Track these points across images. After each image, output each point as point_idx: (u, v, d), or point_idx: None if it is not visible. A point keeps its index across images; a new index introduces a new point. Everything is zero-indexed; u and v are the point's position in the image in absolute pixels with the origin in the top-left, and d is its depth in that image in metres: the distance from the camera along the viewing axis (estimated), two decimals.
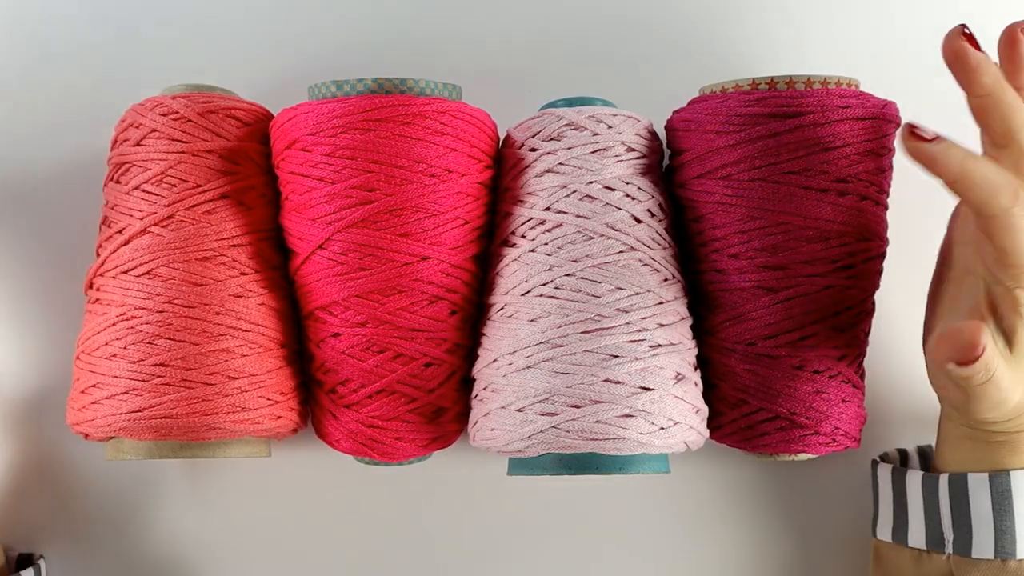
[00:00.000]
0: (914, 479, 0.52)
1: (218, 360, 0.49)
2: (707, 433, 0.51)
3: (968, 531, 0.49)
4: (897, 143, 0.51)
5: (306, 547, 0.58)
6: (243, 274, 0.51)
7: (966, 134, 0.59)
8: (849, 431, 0.51)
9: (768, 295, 0.50)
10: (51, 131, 0.59)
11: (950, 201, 0.59)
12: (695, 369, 0.51)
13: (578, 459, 0.48)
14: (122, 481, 0.58)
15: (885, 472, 0.54)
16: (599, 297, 0.49)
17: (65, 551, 0.58)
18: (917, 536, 0.51)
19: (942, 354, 0.44)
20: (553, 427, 0.47)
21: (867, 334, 0.52)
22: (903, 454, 0.56)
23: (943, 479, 0.50)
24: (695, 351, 0.51)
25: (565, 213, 0.50)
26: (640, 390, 0.48)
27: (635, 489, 0.58)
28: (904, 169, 0.56)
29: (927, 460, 0.55)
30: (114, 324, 0.50)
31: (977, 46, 0.45)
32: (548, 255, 0.50)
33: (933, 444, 0.55)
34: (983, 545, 0.49)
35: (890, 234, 0.52)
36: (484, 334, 0.52)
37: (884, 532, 0.54)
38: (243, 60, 0.59)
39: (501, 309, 0.51)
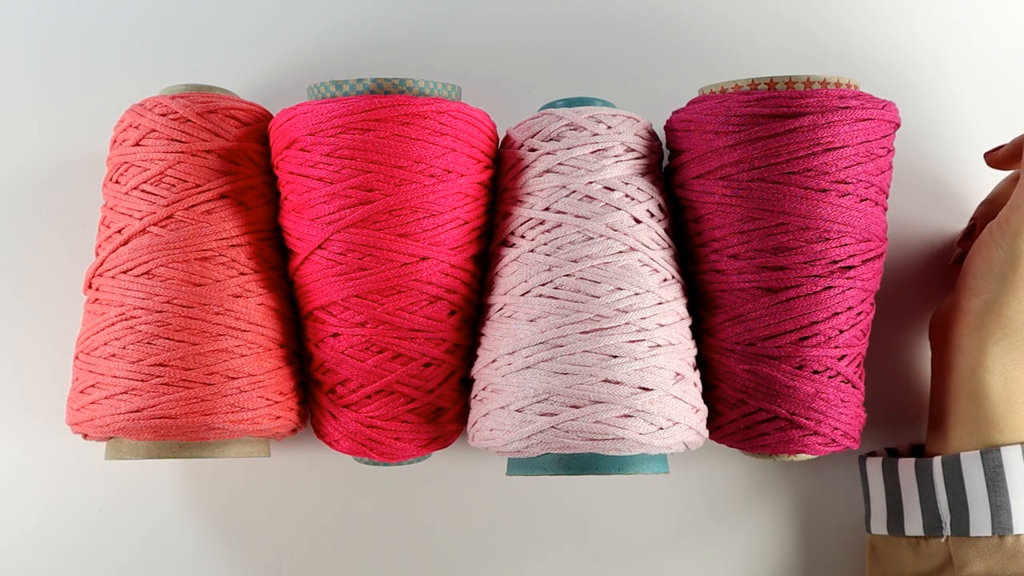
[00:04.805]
0: (906, 467, 0.52)
1: (217, 360, 0.49)
2: (706, 433, 0.51)
3: (965, 510, 0.50)
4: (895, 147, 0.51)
5: (305, 547, 0.58)
6: (242, 274, 0.51)
7: (965, 134, 0.60)
8: (848, 431, 0.51)
9: (767, 295, 0.50)
10: (51, 131, 0.59)
11: (949, 202, 0.59)
12: (694, 369, 0.51)
13: (577, 459, 0.48)
14: (121, 481, 0.58)
15: (875, 466, 0.54)
16: (598, 297, 0.49)
17: (65, 551, 0.58)
18: (914, 524, 0.52)
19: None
20: (552, 427, 0.47)
21: (867, 334, 0.52)
22: (893, 453, 0.56)
23: (936, 462, 0.51)
24: (694, 351, 0.51)
25: (564, 213, 0.50)
26: (639, 390, 0.48)
27: (634, 489, 0.58)
28: (904, 169, 0.56)
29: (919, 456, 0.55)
30: (113, 324, 0.50)
31: None
32: (547, 255, 0.50)
33: (924, 443, 0.55)
34: (980, 523, 0.49)
35: (890, 234, 0.52)
36: (483, 334, 0.52)
37: (879, 526, 0.54)
38: (243, 60, 0.59)
39: (500, 309, 0.51)
